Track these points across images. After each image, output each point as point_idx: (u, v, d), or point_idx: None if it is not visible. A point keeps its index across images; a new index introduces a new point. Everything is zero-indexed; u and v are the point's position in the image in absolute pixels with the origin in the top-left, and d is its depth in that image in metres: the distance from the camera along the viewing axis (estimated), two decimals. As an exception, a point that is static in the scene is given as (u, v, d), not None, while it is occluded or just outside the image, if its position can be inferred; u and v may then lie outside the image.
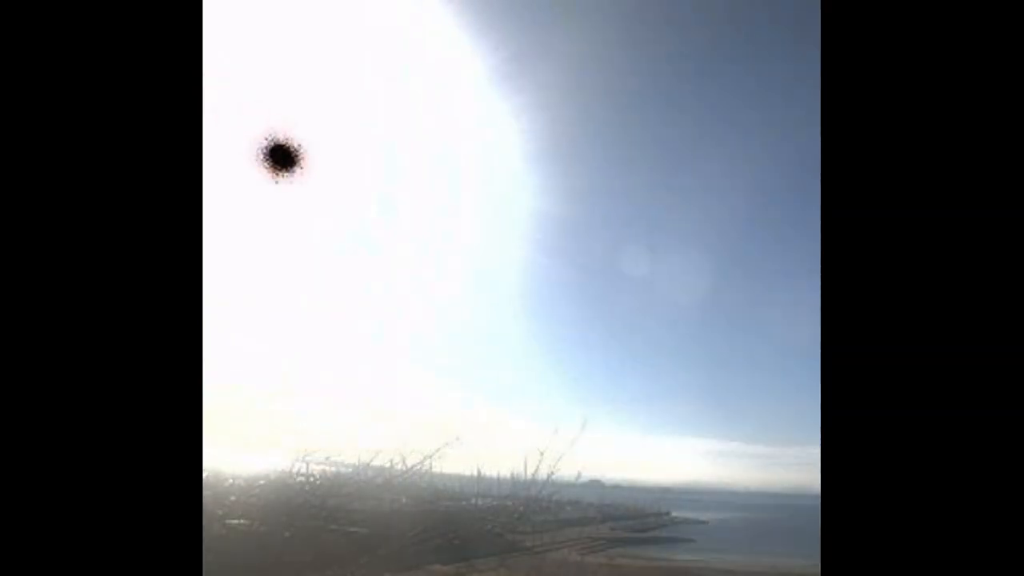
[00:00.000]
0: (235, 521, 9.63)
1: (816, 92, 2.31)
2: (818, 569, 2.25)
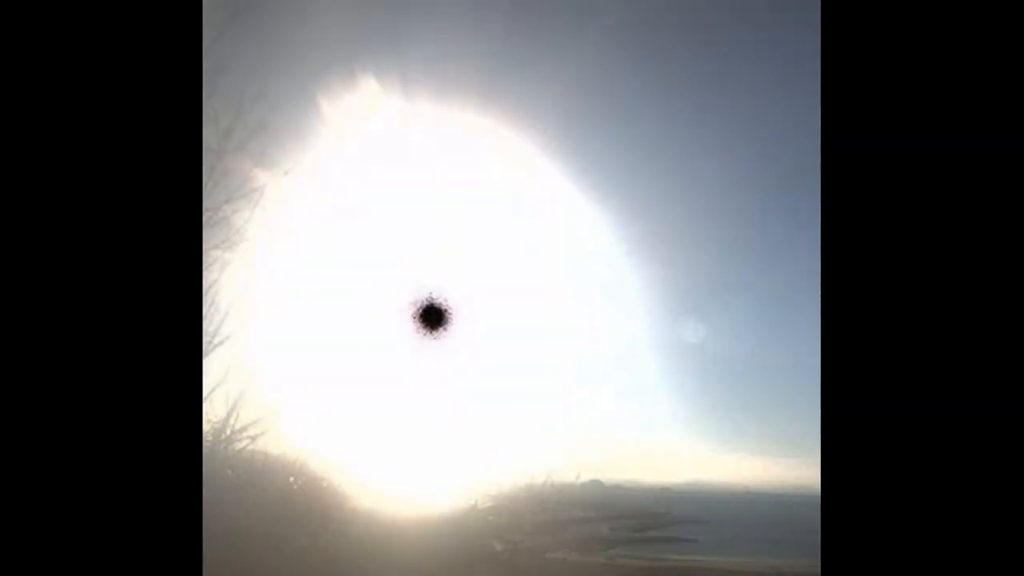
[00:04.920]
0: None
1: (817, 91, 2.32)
2: (818, 569, 2.24)
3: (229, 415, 7.66)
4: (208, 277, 7.14)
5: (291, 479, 8.17)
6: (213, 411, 7.50)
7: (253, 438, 7.88)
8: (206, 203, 6.72)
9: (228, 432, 7.67)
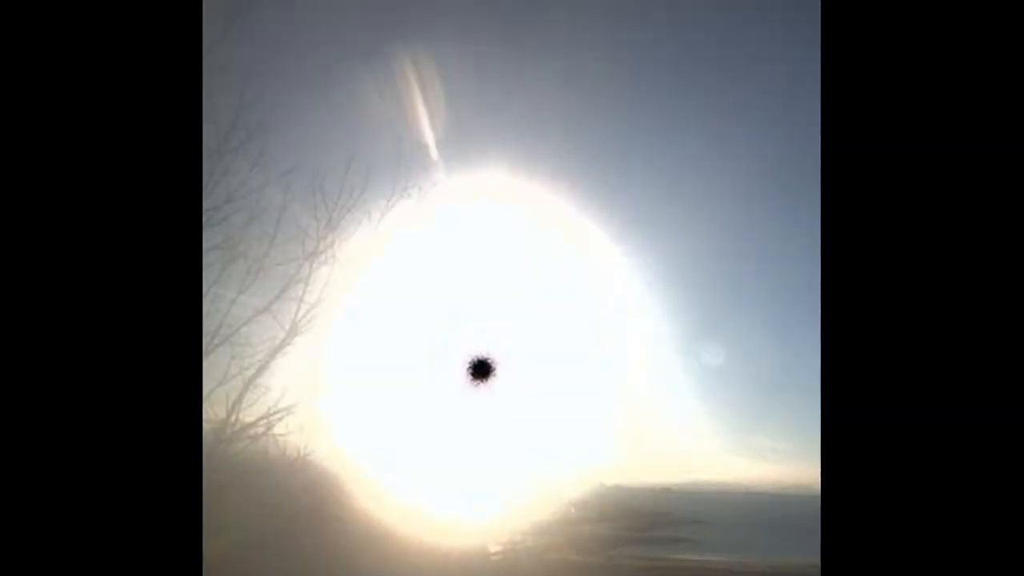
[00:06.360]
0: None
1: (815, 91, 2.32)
2: (818, 569, 2.24)
3: (229, 415, 7.67)
4: (208, 277, 7.15)
5: (292, 479, 8.20)
6: (213, 411, 7.50)
7: (253, 438, 7.89)
8: (206, 203, 6.74)
9: (228, 432, 7.68)
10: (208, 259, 6.97)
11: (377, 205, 8.09)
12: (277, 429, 7.87)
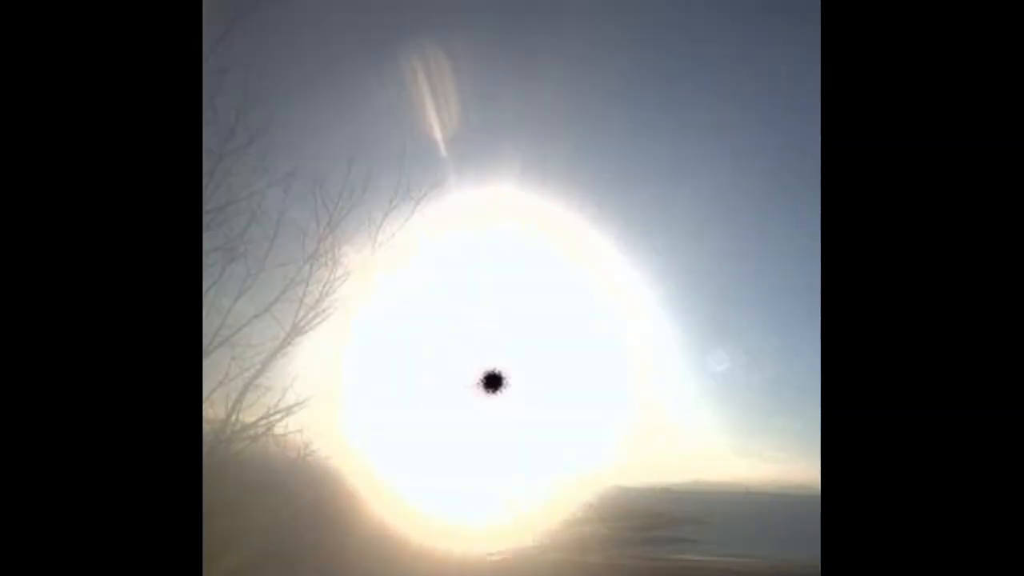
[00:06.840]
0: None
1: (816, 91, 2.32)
2: (818, 569, 2.24)
3: (229, 415, 7.66)
4: (208, 278, 7.15)
5: (292, 478, 8.20)
6: (213, 412, 7.49)
7: (253, 438, 7.89)
8: (207, 205, 6.73)
9: (228, 432, 7.68)
10: (208, 260, 6.97)
11: (382, 206, 8.11)
12: (277, 430, 7.88)
